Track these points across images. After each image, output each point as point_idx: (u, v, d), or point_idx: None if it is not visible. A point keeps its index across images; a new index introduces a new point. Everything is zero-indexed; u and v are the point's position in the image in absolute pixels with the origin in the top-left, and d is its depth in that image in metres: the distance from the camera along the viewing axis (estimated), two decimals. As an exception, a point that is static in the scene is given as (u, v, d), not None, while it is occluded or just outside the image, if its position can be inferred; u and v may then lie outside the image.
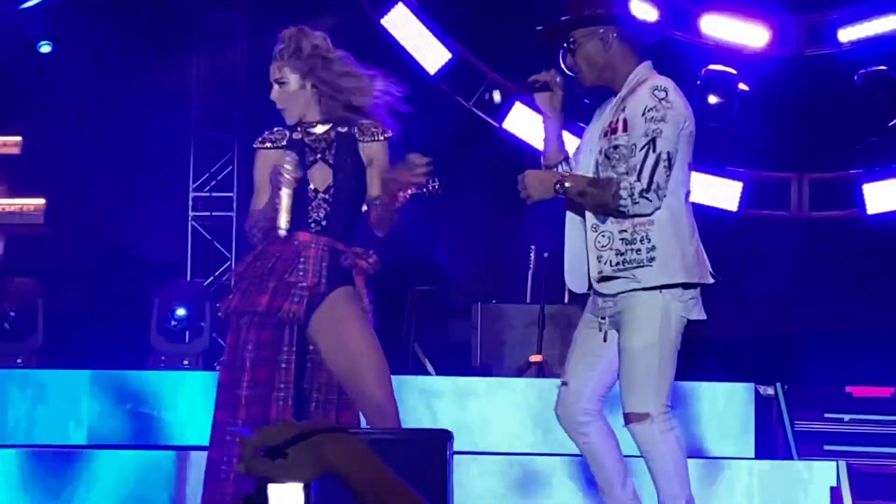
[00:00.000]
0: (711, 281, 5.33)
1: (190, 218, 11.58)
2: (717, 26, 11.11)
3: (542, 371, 9.32)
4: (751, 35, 11.09)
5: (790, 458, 8.37)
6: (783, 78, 10.95)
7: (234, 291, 5.66)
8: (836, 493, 7.20)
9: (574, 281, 5.39)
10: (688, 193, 5.33)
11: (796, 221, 11.29)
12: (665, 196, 5.18)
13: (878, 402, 9.18)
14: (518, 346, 9.80)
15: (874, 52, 10.84)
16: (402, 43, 10.87)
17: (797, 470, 7.48)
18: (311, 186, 5.61)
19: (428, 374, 9.50)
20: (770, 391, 8.75)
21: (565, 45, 5.35)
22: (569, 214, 5.37)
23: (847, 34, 10.96)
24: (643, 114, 5.17)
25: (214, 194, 11.61)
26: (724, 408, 8.45)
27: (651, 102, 5.17)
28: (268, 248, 5.62)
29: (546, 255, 9.77)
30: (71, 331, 10.42)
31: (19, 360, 9.88)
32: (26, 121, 10.72)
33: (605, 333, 5.31)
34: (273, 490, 2.05)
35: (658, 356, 5.18)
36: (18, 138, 10.39)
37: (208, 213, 11.61)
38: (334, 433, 2.09)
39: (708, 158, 11.12)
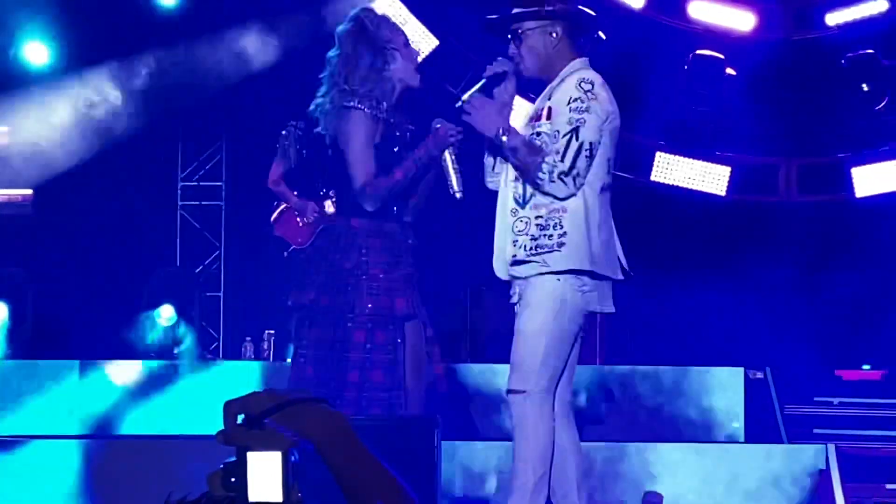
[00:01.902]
0: (621, 277, 5.38)
1: (179, 207, 11.57)
2: (705, 11, 11.11)
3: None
4: (738, 19, 11.09)
5: (779, 441, 8.39)
6: (771, 62, 10.95)
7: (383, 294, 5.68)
8: (824, 475, 7.22)
9: (498, 266, 5.47)
10: (605, 187, 5.36)
11: (785, 205, 11.30)
12: (582, 185, 5.27)
13: (867, 385, 9.21)
14: (509, 332, 9.79)
15: (861, 36, 10.84)
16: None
17: (786, 453, 7.50)
18: None
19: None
20: (759, 375, 8.77)
21: (511, 35, 5.44)
22: (499, 200, 5.45)
23: (834, 18, 10.95)
24: (568, 103, 5.28)
25: (203, 183, 11.60)
26: (714, 392, 8.47)
27: (576, 93, 5.29)
28: (367, 240, 5.63)
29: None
30: (60, 320, 10.41)
31: (8, 351, 9.87)
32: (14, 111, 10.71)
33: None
34: (252, 458, 2.07)
35: (547, 341, 5.27)
36: (6, 128, 10.37)
37: (197, 203, 11.60)
38: (312, 403, 2.11)
39: (696, 143, 11.13)
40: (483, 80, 5.51)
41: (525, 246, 5.31)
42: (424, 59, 11.08)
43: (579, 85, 5.30)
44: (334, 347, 5.59)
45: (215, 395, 8.47)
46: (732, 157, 11.22)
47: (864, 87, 10.71)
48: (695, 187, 11.12)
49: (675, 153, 11.06)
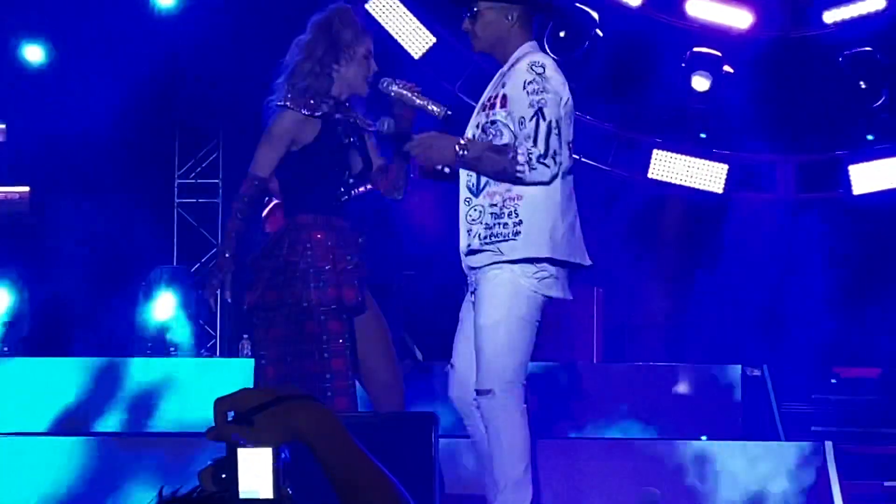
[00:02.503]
0: (588, 263, 5.34)
1: (175, 205, 11.56)
2: (703, 8, 11.11)
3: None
4: (735, 17, 11.10)
5: (777, 438, 8.38)
6: (768, 60, 10.95)
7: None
8: (822, 473, 7.22)
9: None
10: (566, 171, 5.30)
11: (782, 203, 11.30)
12: (562, 163, 5.21)
13: (865, 382, 9.21)
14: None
15: (859, 34, 10.84)
16: (387, 28, 10.86)
17: (784, 451, 7.49)
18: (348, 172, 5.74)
19: (416, 359, 9.50)
20: (757, 372, 8.77)
21: (467, 10, 5.44)
22: (460, 194, 5.44)
23: (832, 16, 10.95)
24: (524, 87, 5.24)
25: (200, 181, 11.59)
26: (712, 389, 8.47)
27: (529, 76, 5.25)
28: (310, 234, 5.64)
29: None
30: (57, 318, 10.41)
31: (5, 349, 9.86)
32: (10, 109, 10.70)
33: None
34: (242, 454, 2.07)
35: (505, 333, 5.20)
36: (2, 126, 10.36)
37: (194, 200, 11.59)
38: (303, 400, 2.11)
39: (694, 141, 11.14)
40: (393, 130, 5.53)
41: (479, 235, 5.27)
42: (422, 57, 11.10)
43: (531, 68, 5.26)
44: (291, 342, 5.60)
45: (212, 392, 8.46)
46: (730, 155, 11.22)
47: (862, 84, 10.71)
48: (692, 185, 11.12)
49: (672, 150, 11.06)
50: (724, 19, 11.09)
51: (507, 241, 5.22)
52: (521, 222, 5.21)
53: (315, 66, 5.70)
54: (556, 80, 5.28)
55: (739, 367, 8.63)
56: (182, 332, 10.71)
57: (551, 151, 5.18)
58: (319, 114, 5.69)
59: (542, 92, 5.22)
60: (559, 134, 5.21)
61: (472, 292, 5.37)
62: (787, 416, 8.75)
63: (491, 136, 5.28)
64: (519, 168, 5.16)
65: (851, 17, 10.88)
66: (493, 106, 5.32)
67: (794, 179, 11.36)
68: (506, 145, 5.21)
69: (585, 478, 7.18)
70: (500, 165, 5.18)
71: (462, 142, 5.26)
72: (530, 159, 5.16)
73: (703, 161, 11.11)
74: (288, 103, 5.70)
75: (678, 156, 11.05)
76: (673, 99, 10.76)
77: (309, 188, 5.73)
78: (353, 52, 5.73)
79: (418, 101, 5.48)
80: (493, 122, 5.30)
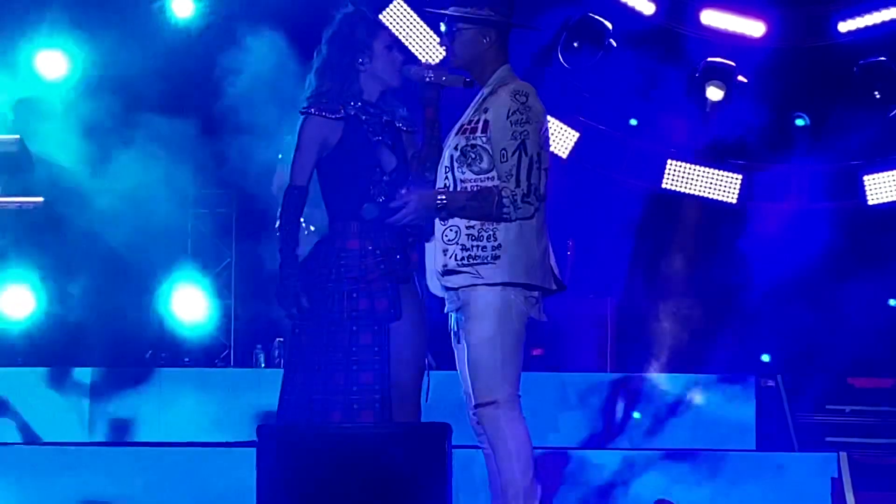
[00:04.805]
0: (554, 287, 5.37)
1: (190, 214, 11.56)
2: (717, 18, 11.12)
3: (542, 364, 9.33)
4: (749, 27, 11.10)
5: (791, 449, 8.38)
6: (783, 70, 10.95)
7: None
8: (837, 484, 7.21)
9: (434, 283, 5.46)
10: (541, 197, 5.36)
11: (796, 213, 11.29)
12: (543, 195, 5.28)
13: (880, 393, 9.19)
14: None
15: (873, 43, 10.84)
16: (400, 37, 10.87)
17: (798, 462, 7.49)
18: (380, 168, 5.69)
19: (430, 366, 9.49)
20: (771, 383, 8.76)
21: (447, 29, 5.48)
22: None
23: (846, 25, 10.96)
24: (507, 117, 5.29)
25: (214, 191, 11.59)
26: (726, 399, 8.46)
27: (514, 105, 5.29)
28: (348, 243, 5.63)
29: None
30: (71, 328, 10.42)
31: (20, 360, 9.87)
32: (26, 119, 10.73)
33: (459, 335, 5.40)
34: None
35: (500, 346, 5.26)
36: (17, 136, 10.39)
37: (208, 210, 11.60)
38: None
39: (707, 151, 11.14)
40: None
41: (455, 255, 5.30)
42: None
43: (515, 97, 5.31)
44: (322, 352, 5.59)
45: (226, 402, 8.47)
46: (743, 165, 11.22)
47: (876, 94, 10.70)
48: (706, 195, 11.12)
49: (686, 161, 11.06)
50: (738, 29, 11.10)
51: (485, 264, 5.27)
52: (499, 246, 5.26)
53: (340, 72, 5.72)
54: (538, 108, 5.34)
55: (753, 377, 8.62)
56: (195, 342, 10.72)
57: (533, 188, 5.25)
58: (340, 115, 5.69)
59: (525, 123, 5.27)
60: (540, 167, 5.27)
61: (453, 312, 5.38)
62: (802, 426, 8.73)
63: (470, 160, 5.32)
64: (505, 210, 5.24)
65: (866, 27, 10.88)
66: (473, 130, 5.35)
67: (808, 189, 11.35)
68: (489, 190, 5.25)
69: (599, 488, 7.18)
70: (485, 211, 5.25)
71: (440, 196, 5.30)
72: (515, 200, 5.23)
73: (717, 171, 11.11)
74: (310, 109, 5.71)
75: (692, 166, 11.06)
76: (686, 109, 10.76)
77: (342, 192, 5.71)
78: (372, 49, 5.75)
79: (444, 79, 5.52)
80: (472, 145, 5.33)
